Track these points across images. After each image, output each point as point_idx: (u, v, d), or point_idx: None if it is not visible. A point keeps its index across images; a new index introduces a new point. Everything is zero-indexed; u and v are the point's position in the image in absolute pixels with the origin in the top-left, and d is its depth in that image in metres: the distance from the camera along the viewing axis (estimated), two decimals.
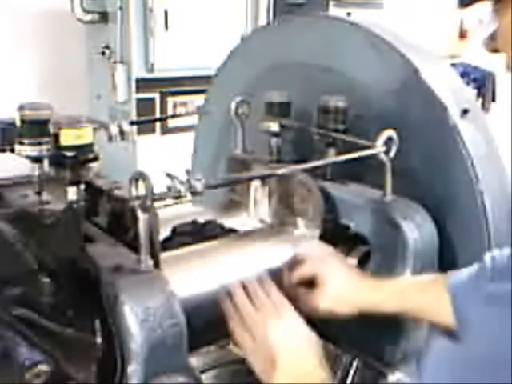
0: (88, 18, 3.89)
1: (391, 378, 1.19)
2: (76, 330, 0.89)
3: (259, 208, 1.37)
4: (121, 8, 3.75)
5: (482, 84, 6.32)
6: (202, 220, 1.31)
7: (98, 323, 0.85)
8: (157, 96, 3.94)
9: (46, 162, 1.01)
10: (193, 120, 2.25)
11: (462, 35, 6.64)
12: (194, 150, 1.94)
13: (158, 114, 3.96)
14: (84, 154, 1.00)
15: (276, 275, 1.13)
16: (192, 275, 1.08)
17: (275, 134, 1.40)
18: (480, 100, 6.24)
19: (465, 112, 1.24)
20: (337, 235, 1.26)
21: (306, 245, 1.22)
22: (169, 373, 0.85)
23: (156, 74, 3.88)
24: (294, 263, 1.16)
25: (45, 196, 1.04)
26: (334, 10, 4.75)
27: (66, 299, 0.90)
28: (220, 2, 4.08)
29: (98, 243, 1.00)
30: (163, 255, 0.96)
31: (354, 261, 1.26)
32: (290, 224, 1.28)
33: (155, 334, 0.83)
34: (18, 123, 0.98)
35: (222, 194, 1.43)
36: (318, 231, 1.24)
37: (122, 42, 3.80)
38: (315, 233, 1.24)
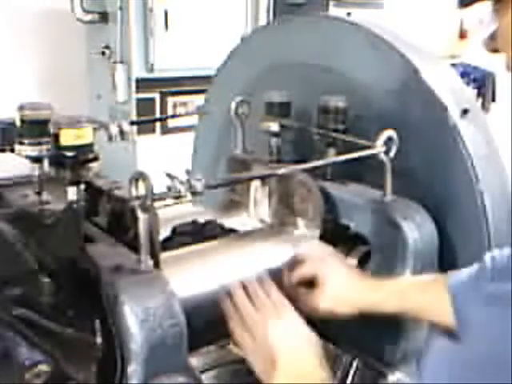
0: (88, 18, 3.88)
1: (391, 378, 1.19)
2: (76, 330, 0.89)
3: (259, 208, 1.37)
4: (121, 8, 3.74)
5: (481, 84, 6.32)
6: (202, 220, 1.31)
7: (98, 323, 0.85)
8: (157, 96, 3.94)
9: (46, 162, 1.01)
10: (193, 120, 2.25)
11: (462, 35, 6.64)
12: (194, 150, 1.94)
13: (158, 114, 3.96)
14: (84, 154, 1.00)
15: (276, 275, 1.13)
16: (192, 275, 1.08)
17: (275, 134, 1.40)
18: (480, 100, 6.24)
19: (465, 112, 1.24)
20: (337, 235, 1.26)
21: (306, 245, 1.22)
22: (169, 373, 0.85)
23: (156, 74, 3.88)
24: (294, 263, 1.16)
25: (45, 196, 1.04)
26: (334, 10, 4.75)
27: (66, 299, 0.90)
28: (220, 2, 4.08)
29: (97, 243, 1.00)
30: (163, 255, 0.96)
31: (353, 261, 1.26)
32: (290, 224, 1.28)
33: (155, 334, 0.83)
34: (18, 123, 0.98)
35: (221, 194, 1.43)
36: (317, 231, 1.24)
37: (122, 42, 3.80)
38: (315, 233, 1.24)
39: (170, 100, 4.01)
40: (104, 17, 3.88)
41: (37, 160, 1.00)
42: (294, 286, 1.14)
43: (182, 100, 4.04)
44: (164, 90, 3.95)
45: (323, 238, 1.24)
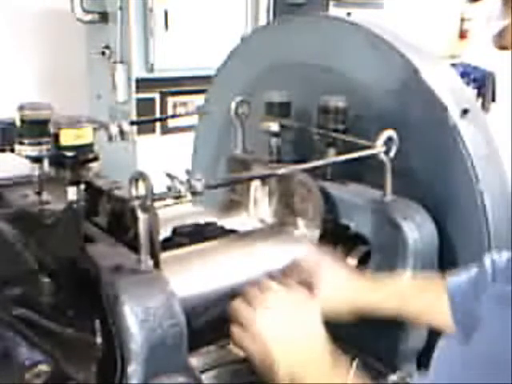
0: (88, 18, 3.88)
1: (391, 377, 1.19)
2: (76, 330, 0.89)
3: (259, 208, 1.37)
4: (121, 8, 3.74)
5: (482, 84, 6.31)
6: (202, 221, 1.31)
7: (98, 323, 0.85)
8: (157, 96, 3.94)
9: (46, 162, 1.01)
10: (193, 120, 2.25)
11: (462, 35, 6.63)
12: (194, 150, 1.94)
13: (158, 114, 3.96)
14: (84, 154, 1.00)
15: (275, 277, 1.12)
16: (192, 275, 1.08)
17: (275, 134, 1.40)
18: (480, 100, 6.24)
19: (465, 112, 1.24)
20: (337, 235, 1.26)
21: (304, 250, 1.21)
22: (169, 373, 0.85)
23: (156, 74, 3.88)
24: (290, 269, 1.16)
25: (45, 196, 1.04)
26: (334, 10, 4.75)
27: (66, 299, 0.90)
28: (220, 2, 4.08)
29: (98, 243, 1.00)
30: (163, 255, 0.96)
31: (354, 261, 1.26)
32: (290, 224, 1.28)
33: (155, 334, 0.83)
34: (18, 123, 0.98)
35: (221, 194, 1.43)
36: (317, 231, 1.24)
37: (122, 42, 3.80)
38: (315, 233, 1.24)
39: (170, 100, 4.01)
40: (104, 17, 3.88)
41: (37, 160, 1.00)
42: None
43: (182, 100, 4.04)
44: (164, 89, 3.95)
45: (323, 237, 1.24)
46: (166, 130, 4.00)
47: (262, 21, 4.32)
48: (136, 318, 0.82)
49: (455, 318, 0.98)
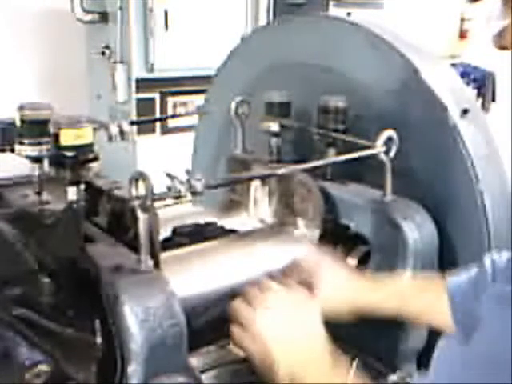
0: (88, 18, 3.88)
1: (391, 377, 1.19)
2: (76, 330, 0.89)
3: (259, 208, 1.37)
4: (121, 8, 3.74)
5: (482, 84, 6.31)
6: (202, 221, 1.31)
7: (98, 323, 0.85)
8: (157, 96, 3.94)
9: (46, 162, 1.01)
10: (193, 120, 2.25)
11: (462, 35, 6.63)
12: (194, 150, 1.94)
13: (158, 114, 3.96)
14: (84, 154, 1.00)
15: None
16: (192, 275, 1.08)
17: (275, 134, 1.40)
18: (480, 100, 6.24)
19: (465, 112, 1.24)
20: (337, 235, 1.26)
21: (303, 251, 1.21)
22: (169, 373, 0.85)
23: (156, 74, 3.88)
24: (290, 269, 1.16)
25: (45, 196, 1.04)
26: (334, 10, 4.75)
27: (66, 299, 0.90)
28: (220, 2, 4.08)
29: (98, 243, 1.00)
30: (163, 255, 0.96)
31: (354, 261, 1.26)
32: (290, 224, 1.28)
33: (155, 334, 0.83)
34: (18, 123, 0.98)
35: (221, 194, 1.43)
36: (317, 231, 1.24)
37: (122, 42, 3.80)
38: (315, 233, 1.24)
39: (170, 100, 4.01)
40: (104, 17, 3.88)
41: (37, 160, 1.00)
42: None
43: (182, 100, 4.04)
44: (164, 89, 3.95)
45: (323, 237, 1.24)
46: (165, 130, 4.00)
47: (262, 21, 4.32)
48: (136, 318, 0.82)
49: (455, 318, 0.98)
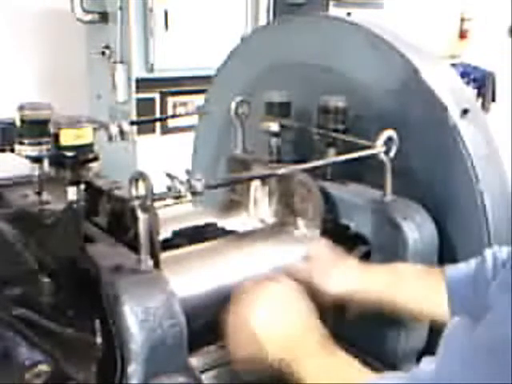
0: (88, 18, 3.88)
1: None
2: (76, 330, 0.89)
3: (259, 208, 1.37)
4: (121, 8, 3.74)
5: (481, 84, 6.31)
6: (202, 221, 1.31)
7: (98, 323, 0.85)
8: (157, 96, 3.94)
9: (46, 162, 1.01)
10: (193, 120, 2.25)
11: (462, 35, 6.63)
12: (194, 150, 1.95)
13: (158, 114, 3.96)
14: (84, 154, 1.00)
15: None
16: (192, 275, 1.08)
17: (275, 134, 1.40)
18: (480, 100, 6.24)
19: (465, 112, 1.24)
20: (337, 235, 1.26)
21: (303, 251, 1.21)
22: (169, 373, 0.85)
23: (156, 74, 3.88)
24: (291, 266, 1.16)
25: (45, 196, 1.05)
26: (334, 10, 4.75)
27: (66, 299, 0.90)
28: (220, 2, 4.08)
29: (97, 243, 1.00)
30: (163, 255, 0.96)
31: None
32: (290, 224, 1.28)
33: (155, 334, 0.83)
34: (18, 123, 0.98)
35: (221, 194, 1.43)
36: (318, 231, 1.24)
37: (122, 42, 3.80)
38: (315, 233, 1.24)
39: (170, 100, 4.01)
40: (104, 17, 3.88)
41: (37, 160, 1.00)
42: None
43: (182, 100, 4.04)
44: (164, 90, 3.95)
45: (323, 238, 1.24)
46: (165, 130, 4.00)
47: (262, 21, 4.32)
48: (136, 318, 0.82)
49: (453, 306, 0.99)
